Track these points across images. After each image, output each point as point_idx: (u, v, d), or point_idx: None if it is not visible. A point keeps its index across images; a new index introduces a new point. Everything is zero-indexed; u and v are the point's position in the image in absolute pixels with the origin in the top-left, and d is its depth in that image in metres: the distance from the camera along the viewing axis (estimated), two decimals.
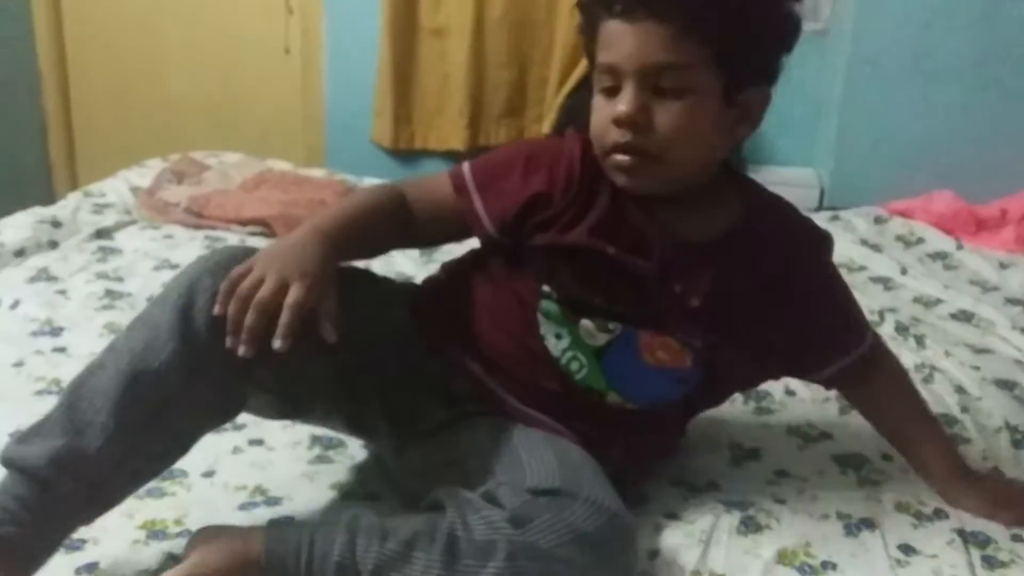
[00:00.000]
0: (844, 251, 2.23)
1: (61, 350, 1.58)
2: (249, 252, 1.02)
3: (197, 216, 2.26)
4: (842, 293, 1.22)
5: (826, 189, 2.77)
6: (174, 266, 1.98)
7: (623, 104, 1.03)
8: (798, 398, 1.49)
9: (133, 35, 3.41)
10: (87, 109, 3.55)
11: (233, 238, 2.18)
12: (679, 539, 1.11)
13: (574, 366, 1.13)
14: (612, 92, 1.05)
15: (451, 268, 1.25)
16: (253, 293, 0.94)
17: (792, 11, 1.05)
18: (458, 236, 1.20)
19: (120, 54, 3.44)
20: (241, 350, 0.93)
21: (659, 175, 1.07)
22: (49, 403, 1.38)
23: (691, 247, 1.12)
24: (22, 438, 0.97)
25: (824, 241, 1.20)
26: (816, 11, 3.01)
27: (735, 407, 1.43)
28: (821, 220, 2.39)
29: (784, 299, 1.14)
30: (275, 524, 1.07)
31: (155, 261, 1.99)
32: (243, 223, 2.24)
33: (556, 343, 1.13)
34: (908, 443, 1.26)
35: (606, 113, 1.05)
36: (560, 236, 1.11)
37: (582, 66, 2.89)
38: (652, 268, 1.10)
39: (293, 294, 0.94)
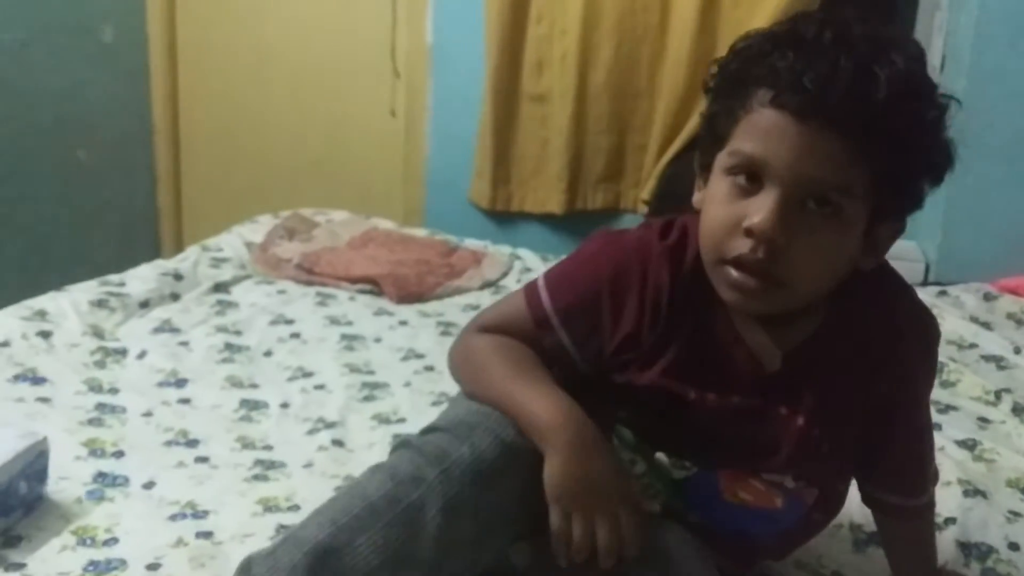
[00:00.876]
0: (953, 328, 2.20)
1: (186, 401, 1.64)
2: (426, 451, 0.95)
3: (308, 272, 2.33)
4: (925, 428, 1.11)
5: (931, 264, 2.73)
6: (289, 321, 2.04)
7: (763, 215, 0.86)
8: None
9: (244, 94, 3.54)
10: (196, 163, 3.69)
11: (343, 295, 2.23)
12: None
13: (650, 491, 1.07)
14: (745, 187, 0.89)
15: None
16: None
17: (950, 142, 0.90)
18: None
19: (231, 112, 3.57)
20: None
21: (777, 302, 0.92)
22: (178, 454, 1.44)
23: (787, 360, 0.99)
24: None
25: (928, 337, 1.04)
26: None
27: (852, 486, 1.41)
28: (927, 295, 2.38)
29: (875, 400, 1.03)
30: None
31: (271, 316, 2.06)
32: (353, 281, 2.30)
33: (631, 467, 1.06)
34: (901, 561, 1.18)
35: (734, 213, 0.89)
36: (638, 374, 1.00)
37: (683, 135, 2.91)
38: (744, 401, 1.00)
39: (627, 525, 0.92)
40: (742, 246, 0.88)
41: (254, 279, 2.30)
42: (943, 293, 2.42)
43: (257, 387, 1.72)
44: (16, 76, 3.07)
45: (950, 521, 1.36)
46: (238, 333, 1.95)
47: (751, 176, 0.89)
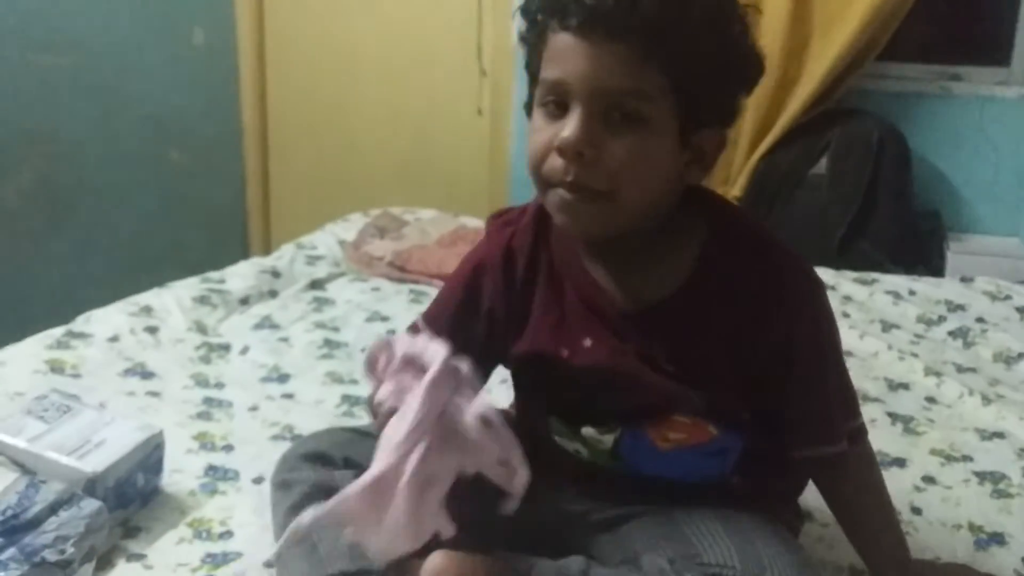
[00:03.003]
0: None
1: (289, 396, 1.66)
2: None
3: (400, 270, 2.34)
4: (831, 373, 1.07)
5: None
6: (384, 318, 2.05)
7: (568, 130, 0.91)
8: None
9: (331, 94, 3.59)
10: (284, 162, 3.75)
11: (435, 292, 2.23)
12: None
13: (611, 465, 1.08)
14: (556, 112, 0.94)
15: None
16: None
17: (756, 51, 0.97)
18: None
19: (318, 113, 3.62)
20: None
21: (605, 217, 0.95)
22: (284, 447, 1.46)
23: (647, 308, 1.01)
24: None
25: (806, 285, 1.03)
26: (1023, 74, 2.90)
27: None
28: None
29: (755, 354, 1.01)
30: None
31: (367, 313, 2.07)
32: (444, 278, 2.29)
33: (584, 456, 1.09)
34: (861, 536, 1.12)
35: (547, 136, 0.94)
36: (515, 347, 1.04)
37: (774, 131, 2.86)
38: (621, 345, 1.01)
39: None
40: (558, 166, 0.93)
41: (348, 276, 2.32)
42: None
43: (357, 383, 1.72)
44: (110, 79, 3.16)
45: None
46: (335, 329, 1.97)
47: (558, 102, 0.93)
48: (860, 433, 1.10)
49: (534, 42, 0.97)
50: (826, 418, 1.07)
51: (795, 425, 1.06)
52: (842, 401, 1.08)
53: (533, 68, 0.98)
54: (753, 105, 2.93)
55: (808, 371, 1.04)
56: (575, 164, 0.92)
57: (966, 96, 2.93)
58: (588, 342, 1.02)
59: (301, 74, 3.60)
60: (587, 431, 1.07)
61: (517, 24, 1.04)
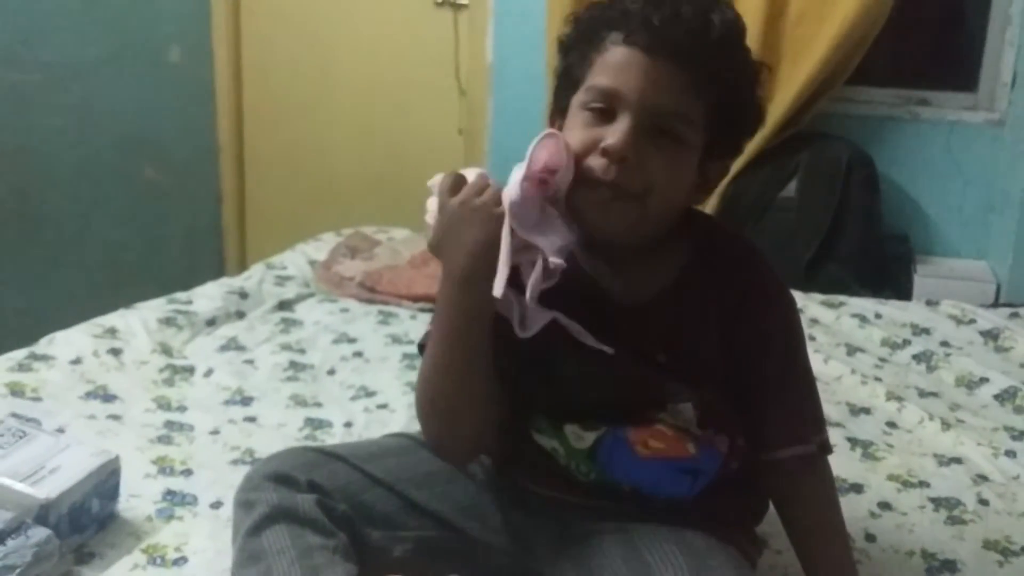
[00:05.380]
0: None
1: (252, 419, 1.66)
2: None
3: (370, 291, 2.34)
4: (801, 376, 1.13)
5: (1003, 284, 2.66)
6: (352, 339, 2.05)
7: (618, 136, 0.99)
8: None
9: (307, 113, 3.59)
10: (260, 181, 3.74)
11: (404, 313, 2.24)
12: None
13: (584, 469, 1.11)
14: (601, 117, 1.01)
15: None
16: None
17: (762, 104, 1.08)
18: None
19: (295, 131, 3.62)
20: None
21: (632, 218, 1.02)
22: (244, 472, 1.46)
23: (641, 303, 1.09)
24: None
25: (777, 287, 1.13)
26: (992, 100, 2.93)
27: None
28: (999, 317, 2.31)
29: (734, 348, 1.08)
30: None
31: (334, 334, 2.07)
32: (413, 299, 2.31)
33: (560, 456, 1.11)
34: (811, 551, 1.12)
35: (591, 136, 1.01)
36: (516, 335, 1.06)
37: (744, 153, 2.88)
38: (616, 344, 1.04)
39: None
40: (599, 166, 1.00)
41: (317, 297, 2.32)
42: (1015, 315, 2.35)
43: (321, 406, 1.73)
44: (86, 96, 3.15)
45: None
46: (302, 351, 1.97)
47: (605, 108, 1.01)
48: (825, 447, 1.14)
49: (584, 49, 1.04)
50: (799, 418, 1.12)
51: (768, 425, 1.11)
52: (812, 407, 1.14)
53: (576, 73, 1.05)
54: None
55: (780, 370, 1.11)
56: (616, 167, 1.00)
57: (934, 120, 2.96)
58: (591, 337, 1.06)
59: (278, 92, 3.60)
60: (570, 428, 1.09)
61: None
